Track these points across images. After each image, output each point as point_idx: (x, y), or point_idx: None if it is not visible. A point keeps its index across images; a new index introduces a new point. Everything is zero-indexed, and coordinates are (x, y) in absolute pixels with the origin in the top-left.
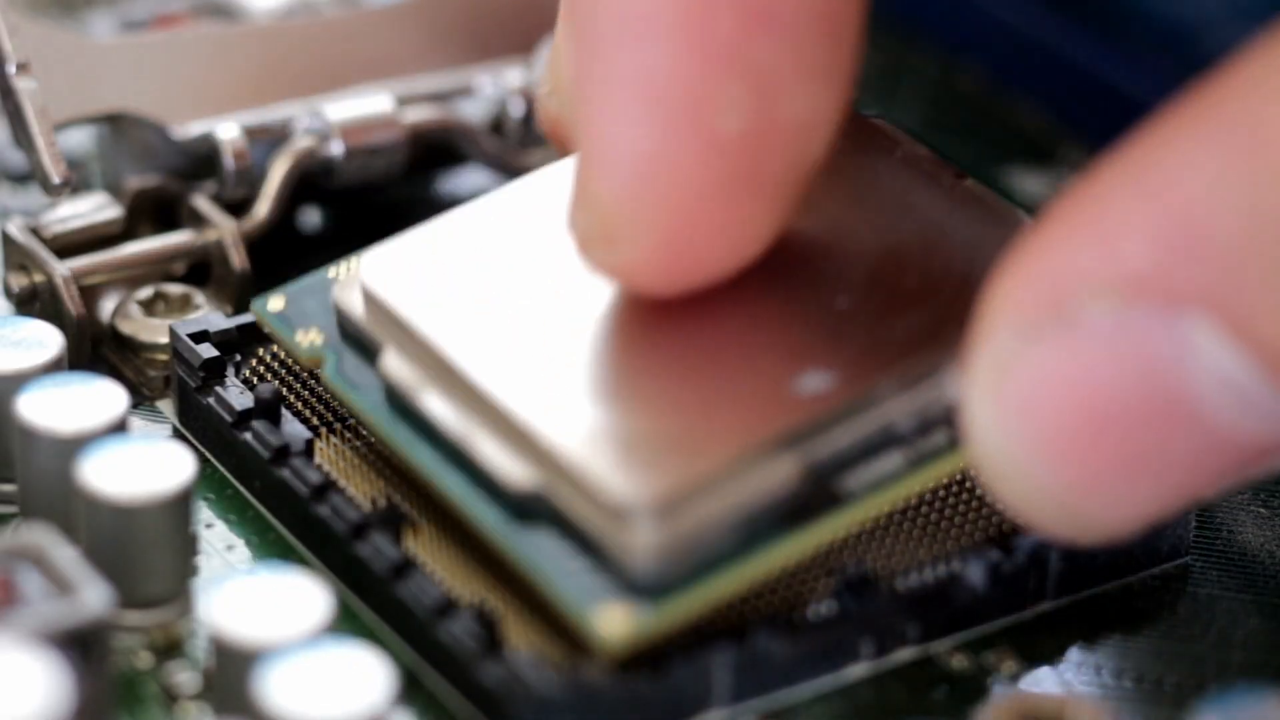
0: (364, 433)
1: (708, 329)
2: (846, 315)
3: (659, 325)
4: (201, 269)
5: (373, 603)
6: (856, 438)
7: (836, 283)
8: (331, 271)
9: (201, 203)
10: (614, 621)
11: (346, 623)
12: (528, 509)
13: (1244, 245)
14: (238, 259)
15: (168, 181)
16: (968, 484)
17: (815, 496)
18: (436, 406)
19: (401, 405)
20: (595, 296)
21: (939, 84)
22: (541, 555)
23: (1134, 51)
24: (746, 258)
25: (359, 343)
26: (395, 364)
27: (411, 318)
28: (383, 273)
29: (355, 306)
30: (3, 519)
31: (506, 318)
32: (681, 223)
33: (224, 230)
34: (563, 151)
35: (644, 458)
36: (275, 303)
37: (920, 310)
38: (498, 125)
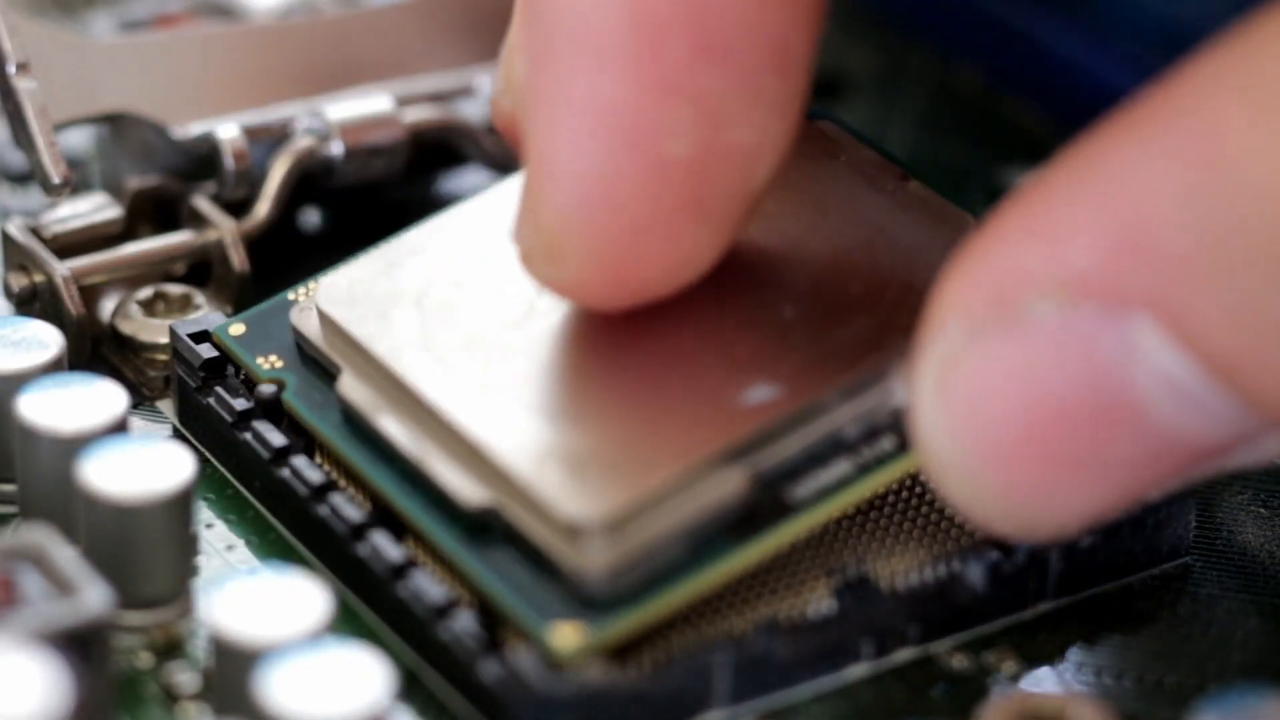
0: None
1: (656, 343)
2: (792, 324)
3: (608, 341)
4: (201, 269)
5: (373, 603)
6: (804, 447)
7: (782, 292)
8: (291, 295)
9: (201, 203)
10: (567, 636)
11: (346, 623)
12: (482, 526)
13: (1189, 249)
14: (238, 259)
15: (168, 181)
16: None
17: (764, 506)
18: (392, 427)
19: (359, 427)
20: (546, 315)
21: (938, 84)
22: (496, 571)
23: (1133, 52)
24: (691, 277)
25: (317, 365)
26: (352, 386)
27: (366, 340)
28: (338, 296)
29: (312, 330)
30: (3, 519)
31: (459, 337)
32: (625, 243)
33: (224, 230)
34: (515, 148)
35: (594, 475)
36: (236, 328)
37: (865, 316)
38: None
